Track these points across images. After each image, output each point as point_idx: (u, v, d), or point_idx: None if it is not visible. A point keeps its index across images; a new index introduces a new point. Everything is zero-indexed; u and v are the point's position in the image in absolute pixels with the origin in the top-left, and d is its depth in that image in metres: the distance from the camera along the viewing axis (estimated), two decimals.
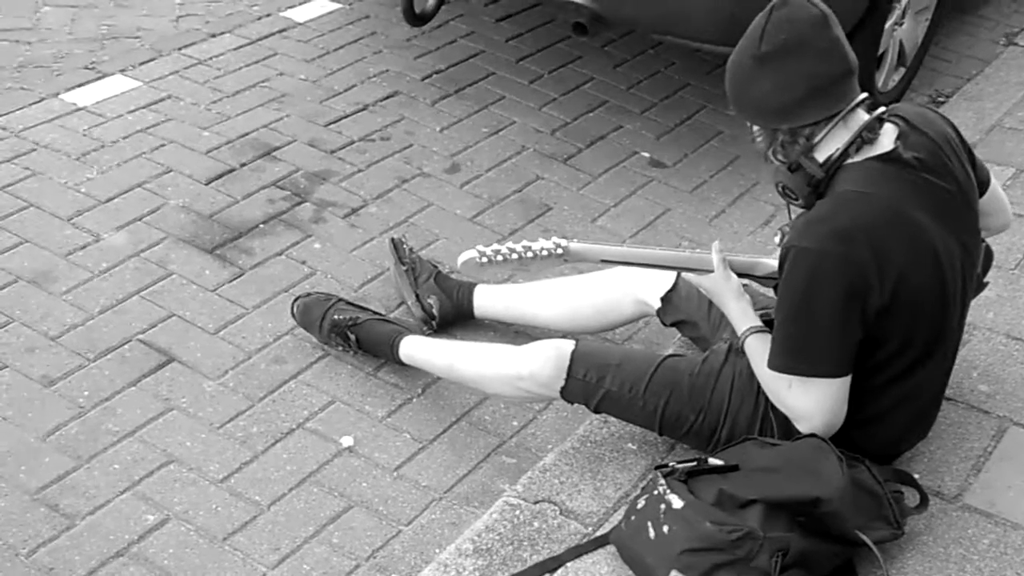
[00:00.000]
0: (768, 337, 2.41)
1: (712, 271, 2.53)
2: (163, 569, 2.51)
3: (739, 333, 2.49)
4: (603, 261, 2.58)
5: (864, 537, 2.26)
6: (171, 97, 4.17)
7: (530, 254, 2.49)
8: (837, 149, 2.29)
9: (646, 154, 4.12)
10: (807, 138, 2.30)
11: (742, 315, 2.49)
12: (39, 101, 4.09)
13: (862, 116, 2.31)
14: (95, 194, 3.64)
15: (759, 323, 2.48)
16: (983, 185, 2.53)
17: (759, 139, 2.37)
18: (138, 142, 3.90)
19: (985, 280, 2.72)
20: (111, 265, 3.35)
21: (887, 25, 4.14)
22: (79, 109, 4.07)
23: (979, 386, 2.86)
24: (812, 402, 2.31)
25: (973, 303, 2.58)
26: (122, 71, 4.31)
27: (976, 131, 3.96)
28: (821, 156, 2.31)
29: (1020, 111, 4.16)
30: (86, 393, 2.94)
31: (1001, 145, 3.93)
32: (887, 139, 2.33)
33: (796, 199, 2.36)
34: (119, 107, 4.08)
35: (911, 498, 2.47)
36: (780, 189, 2.38)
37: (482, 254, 2.47)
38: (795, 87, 2.25)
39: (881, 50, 4.19)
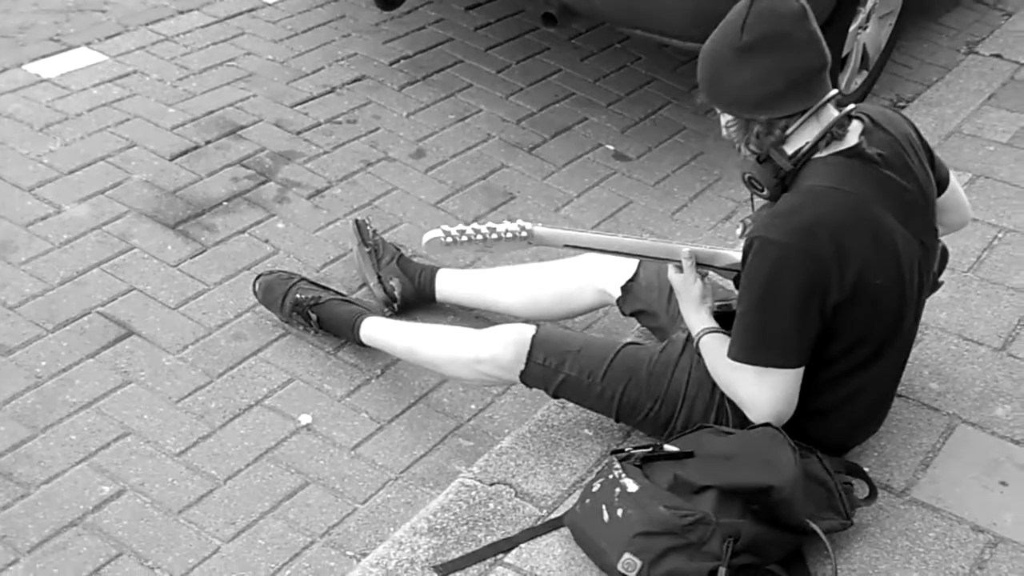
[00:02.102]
0: (722, 337, 2.45)
1: (674, 260, 2.56)
2: (117, 540, 2.51)
3: (694, 334, 2.52)
4: (567, 246, 2.60)
5: (814, 526, 2.29)
6: (137, 72, 4.15)
7: (495, 236, 2.50)
8: (807, 143, 2.32)
9: (610, 147, 4.15)
10: (782, 130, 2.32)
11: (696, 320, 2.52)
12: (2, 71, 4.06)
13: (832, 111, 2.34)
14: (57, 166, 3.62)
15: (714, 324, 2.51)
16: (942, 183, 2.57)
17: (731, 128, 2.38)
18: (102, 116, 3.89)
19: (940, 280, 2.77)
20: (72, 237, 3.34)
21: (852, 28, 4.20)
22: (43, 80, 4.04)
23: (930, 384, 2.91)
24: (766, 392, 2.34)
25: (926, 303, 2.63)
26: (88, 44, 4.29)
27: (935, 136, 4.02)
28: (791, 149, 2.34)
29: (978, 118, 4.23)
30: (43, 363, 2.93)
31: (959, 151, 4.00)
32: (852, 135, 2.36)
33: (762, 191, 2.39)
34: (84, 80, 4.06)
35: (861, 490, 2.52)
36: (746, 180, 2.41)
37: (447, 234, 2.49)
38: (775, 79, 2.27)
39: (845, 52, 4.24)
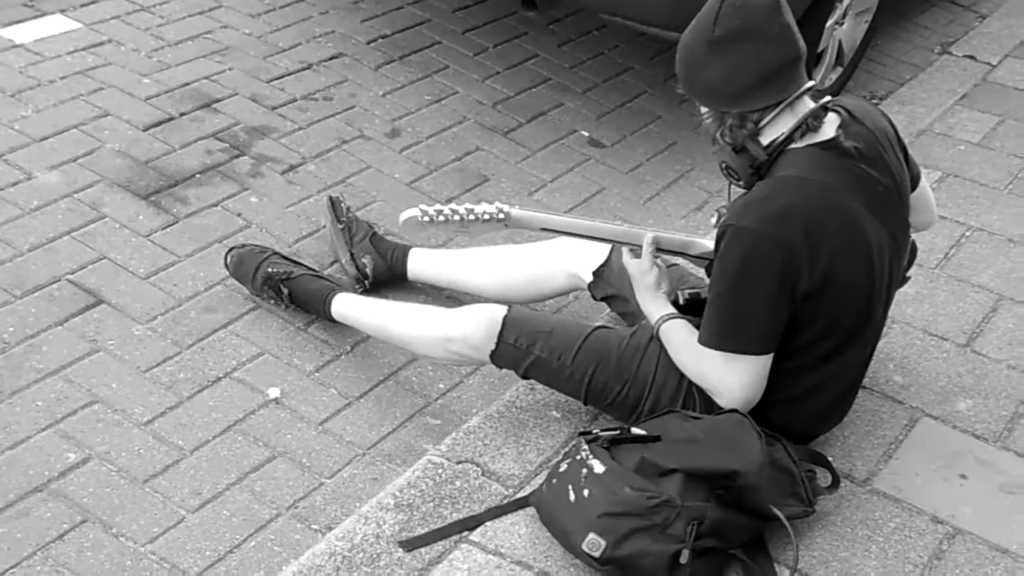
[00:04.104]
0: (681, 323, 2.48)
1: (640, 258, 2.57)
2: (82, 507, 2.51)
3: (652, 322, 2.54)
4: (543, 229, 2.61)
5: (777, 512, 2.31)
6: (112, 41, 4.12)
7: (472, 217, 2.51)
8: (782, 134, 2.34)
9: (585, 133, 4.16)
10: (755, 122, 2.34)
11: (654, 308, 2.54)
12: None
13: (808, 103, 2.36)
14: (29, 132, 3.59)
15: (672, 310, 2.53)
16: (914, 180, 2.60)
17: (707, 120, 2.40)
18: (76, 84, 3.86)
19: (908, 275, 2.80)
20: (43, 204, 3.32)
21: (828, 24, 4.23)
22: (16, 46, 4.01)
23: (895, 377, 2.95)
24: (735, 377, 2.36)
25: (894, 297, 2.65)
26: (62, 11, 4.26)
27: (906, 134, 4.03)
28: (766, 139, 2.35)
29: (950, 118, 4.28)
30: (11, 329, 2.91)
31: (930, 149, 4.04)
32: (829, 127, 2.38)
33: (738, 179, 2.41)
34: (58, 47, 4.03)
35: (823, 479, 2.55)
36: (723, 169, 2.43)
37: (424, 213, 2.49)
38: (746, 73, 2.29)
39: (820, 48, 4.27)
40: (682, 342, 2.46)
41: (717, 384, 2.40)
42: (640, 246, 2.58)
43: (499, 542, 2.38)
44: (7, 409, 2.70)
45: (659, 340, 2.53)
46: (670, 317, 2.51)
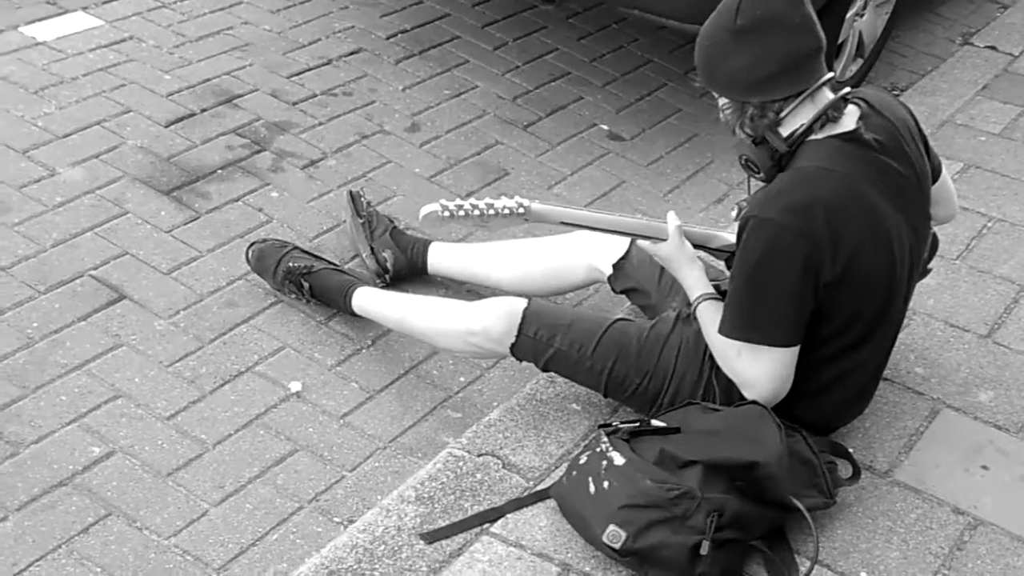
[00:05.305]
0: (720, 304, 2.46)
1: (667, 240, 2.57)
2: (106, 500, 2.53)
3: (692, 299, 2.53)
4: (563, 223, 2.61)
5: (798, 503, 2.31)
6: (133, 38, 4.15)
7: (492, 211, 2.51)
8: (802, 125, 2.34)
9: (605, 126, 4.16)
10: (776, 112, 2.34)
11: (696, 281, 2.53)
12: None
13: (828, 94, 2.36)
14: (52, 129, 3.62)
15: (712, 290, 2.52)
16: (935, 172, 2.59)
17: (727, 111, 2.40)
18: (98, 80, 3.89)
19: (929, 266, 2.79)
20: (66, 200, 3.34)
21: (848, 15, 4.21)
22: (39, 43, 4.04)
23: (916, 368, 2.94)
24: (761, 370, 2.36)
25: (915, 288, 2.65)
26: (84, 8, 4.29)
27: (928, 125, 4.03)
28: (786, 131, 2.35)
29: (971, 108, 4.26)
30: (35, 324, 2.93)
31: (951, 140, 4.03)
32: (850, 119, 2.38)
33: (758, 172, 2.40)
34: (80, 44, 4.06)
35: (844, 470, 2.54)
36: (743, 161, 2.42)
37: (444, 208, 2.50)
38: (769, 62, 2.28)
39: (841, 39, 4.26)
40: (715, 326, 2.45)
41: (743, 376, 2.39)
42: (661, 239, 2.57)
43: (520, 534, 2.39)
44: (32, 404, 2.72)
45: (695, 317, 2.52)
46: (708, 297, 2.50)
